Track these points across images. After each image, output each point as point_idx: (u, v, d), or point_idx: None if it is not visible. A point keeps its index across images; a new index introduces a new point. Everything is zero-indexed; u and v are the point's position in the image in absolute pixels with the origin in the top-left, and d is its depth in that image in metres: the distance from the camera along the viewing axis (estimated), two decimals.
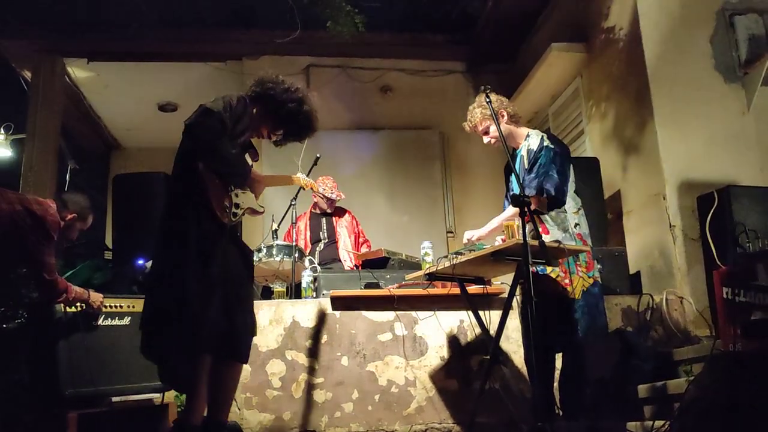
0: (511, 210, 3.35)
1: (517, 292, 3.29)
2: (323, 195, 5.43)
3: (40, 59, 6.93)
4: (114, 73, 7.32)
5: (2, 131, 7.16)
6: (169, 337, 2.72)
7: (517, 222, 3.00)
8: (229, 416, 3.74)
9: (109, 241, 5.75)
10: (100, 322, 3.45)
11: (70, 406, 3.20)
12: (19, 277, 3.86)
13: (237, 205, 2.97)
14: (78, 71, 7.29)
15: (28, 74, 7.07)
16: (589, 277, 3.35)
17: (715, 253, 4.17)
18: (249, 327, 2.96)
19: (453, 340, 4.08)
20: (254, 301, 3.16)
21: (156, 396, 3.66)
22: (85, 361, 3.27)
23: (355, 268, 5.13)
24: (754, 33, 4.92)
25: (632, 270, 4.83)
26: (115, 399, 3.48)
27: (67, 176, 7.74)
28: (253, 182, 3.08)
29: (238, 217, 3.00)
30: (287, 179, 3.74)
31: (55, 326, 3.27)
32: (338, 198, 5.48)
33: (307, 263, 4.60)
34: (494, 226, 3.48)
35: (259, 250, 4.62)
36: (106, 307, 3.47)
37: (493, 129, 3.48)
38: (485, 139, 3.56)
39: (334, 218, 5.57)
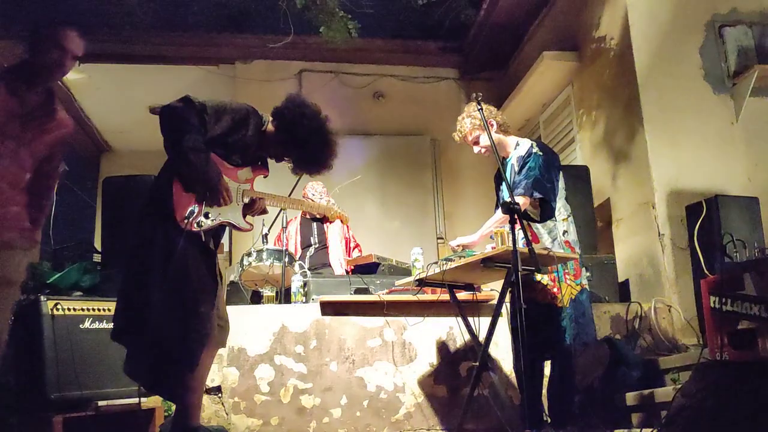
0: (500, 215, 3.36)
1: (506, 299, 3.30)
2: (312, 200, 5.42)
3: None
4: (105, 76, 7.28)
5: None
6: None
7: (508, 229, 3.01)
8: (217, 421, 3.74)
9: (98, 244, 5.72)
10: (87, 325, 3.43)
11: (55, 409, 3.17)
12: None
13: (207, 215, 2.83)
14: (69, 73, 7.24)
15: None
16: (577, 285, 3.37)
17: (703, 262, 4.19)
18: (202, 336, 2.78)
19: (442, 347, 4.08)
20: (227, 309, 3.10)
21: (142, 400, 3.63)
22: (71, 364, 3.24)
23: (345, 273, 5.12)
24: (743, 44, 4.98)
25: (621, 278, 4.86)
26: (101, 403, 3.45)
27: None
28: (223, 193, 2.87)
29: (205, 227, 2.82)
30: (319, 207, 3.60)
31: (41, 329, 3.24)
32: (327, 204, 5.47)
33: (297, 268, 4.59)
34: (486, 231, 3.49)
35: (249, 255, 4.61)
36: (94, 310, 3.45)
37: (483, 139, 3.49)
38: (475, 149, 3.57)
39: (324, 223, 5.56)
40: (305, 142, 2.96)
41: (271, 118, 3.03)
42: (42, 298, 3.32)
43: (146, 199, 2.86)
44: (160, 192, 2.79)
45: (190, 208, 2.76)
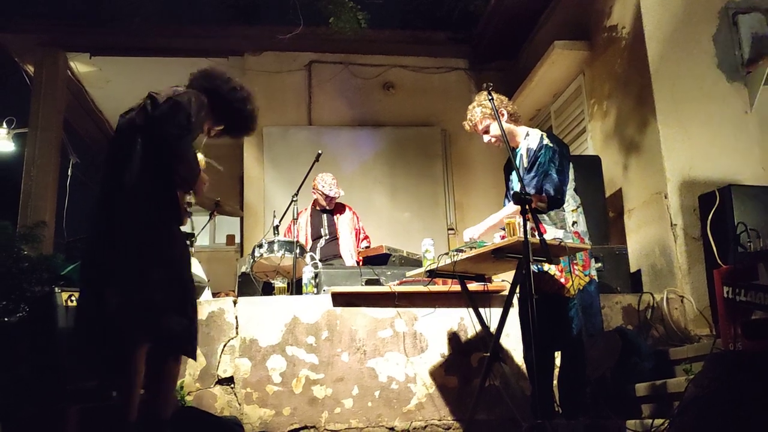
0: (512, 207, 3.36)
1: (517, 289, 3.29)
2: (322, 192, 5.43)
3: (42, 53, 6.93)
4: (116, 68, 7.32)
5: (5, 125, 7.18)
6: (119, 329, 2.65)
7: (518, 219, 3.00)
8: (229, 411, 3.76)
9: None
10: None
11: (71, 400, 3.20)
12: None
13: (189, 204, 3.00)
14: (80, 66, 7.29)
15: (30, 68, 7.08)
16: (586, 275, 3.35)
17: (716, 252, 4.16)
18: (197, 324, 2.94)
19: (453, 337, 4.08)
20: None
21: None
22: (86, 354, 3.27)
23: (356, 264, 5.13)
24: (758, 32, 4.91)
25: (633, 268, 4.83)
26: (116, 393, 3.48)
27: (69, 170, 7.75)
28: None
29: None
30: None
31: (55, 320, 3.27)
32: (337, 195, 5.48)
33: (308, 259, 4.60)
34: (493, 222, 3.48)
35: (260, 246, 4.63)
36: None
37: (493, 128, 3.48)
38: (485, 138, 3.56)
39: (335, 215, 5.57)
40: (241, 113, 3.10)
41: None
42: (56, 289, 3.35)
43: (138, 199, 2.77)
44: (165, 192, 2.82)
45: (184, 204, 2.91)
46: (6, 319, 3.66)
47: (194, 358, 2.92)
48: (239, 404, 3.82)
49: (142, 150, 2.79)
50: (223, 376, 3.86)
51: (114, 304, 2.64)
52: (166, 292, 2.70)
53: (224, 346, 3.91)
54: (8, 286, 3.76)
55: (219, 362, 3.88)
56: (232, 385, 3.86)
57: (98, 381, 3.26)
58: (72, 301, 3.32)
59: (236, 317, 3.97)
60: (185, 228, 3.16)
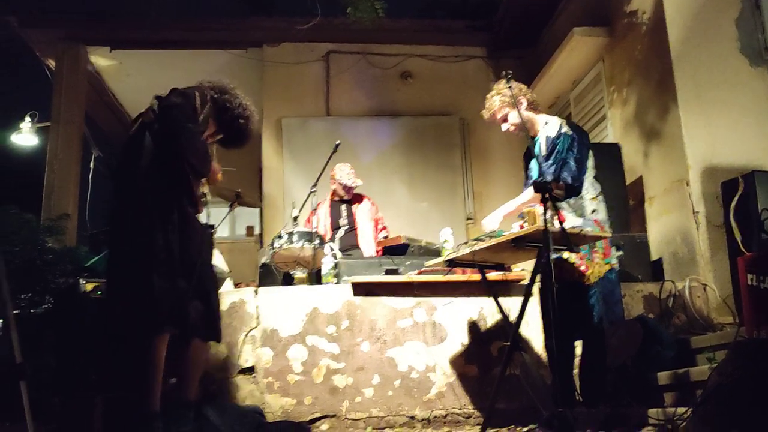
0: (529, 193, 3.34)
1: (537, 278, 3.28)
2: (340, 182, 5.44)
3: (63, 48, 7.01)
4: (136, 62, 7.37)
5: (28, 119, 7.29)
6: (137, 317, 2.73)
7: (539, 208, 2.99)
8: (252, 400, 3.81)
9: None
10: None
11: (96, 389, 3.25)
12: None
13: (204, 195, 3.11)
14: (101, 59, 7.36)
15: (52, 63, 7.16)
16: (606, 263, 3.33)
17: (739, 240, 4.12)
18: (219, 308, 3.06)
19: (473, 327, 4.09)
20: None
21: None
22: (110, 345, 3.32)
23: (375, 254, 5.14)
24: None
25: (654, 257, 4.79)
26: None
27: (91, 164, 7.85)
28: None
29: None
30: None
31: (80, 311, 3.33)
32: (355, 185, 5.48)
33: (327, 250, 4.62)
34: (511, 209, 3.47)
35: (280, 237, 4.65)
36: None
37: (512, 116, 3.46)
38: (504, 127, 3.54)
39: (353, 205, 5.59)
40: (243, 130, 3.23)
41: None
42: (81, 281, 3.40)
43: (153, 187, 2.85)
44: (178, 180, 2.90)
45: (198, 193, 3.01)
46: (32, 310, 3.73)
47: (218, 340, 3.04)
48: (261, 393, 3.86)
49: (151, 143, 2.87)
50: (245, 365, 3.90)
51: (132, 293, 2.71)
52: (183, 278, 2.76)
53: (246, 335, 3.95)
54: (33, 278, 3.84)
55: (241, 352, 3.92)
56: (254, 375, 3.90)
57: (121, 374, 3.32)
58: (97, 292, 3.38)
59: (257, 307, 4.01)
60: (202, 219, 3.22)
